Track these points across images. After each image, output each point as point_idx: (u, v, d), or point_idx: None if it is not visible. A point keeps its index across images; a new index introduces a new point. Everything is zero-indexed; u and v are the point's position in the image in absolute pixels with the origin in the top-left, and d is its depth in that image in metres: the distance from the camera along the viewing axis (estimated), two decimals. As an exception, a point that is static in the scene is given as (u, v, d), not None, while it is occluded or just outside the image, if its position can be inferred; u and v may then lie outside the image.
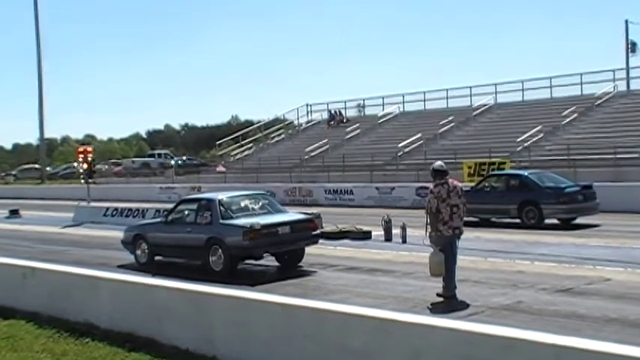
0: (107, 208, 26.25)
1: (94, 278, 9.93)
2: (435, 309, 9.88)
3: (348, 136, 45.46)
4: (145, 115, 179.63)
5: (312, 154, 43.87)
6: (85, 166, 29.68)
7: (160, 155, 64.12)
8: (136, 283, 9.26)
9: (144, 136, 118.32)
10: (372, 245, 17.09)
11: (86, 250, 18.04)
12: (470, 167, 31.60)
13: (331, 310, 6.88)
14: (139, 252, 15.38)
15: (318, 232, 14.77)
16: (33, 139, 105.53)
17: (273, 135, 52.55)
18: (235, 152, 50.76)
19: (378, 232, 18.01)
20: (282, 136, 52.05)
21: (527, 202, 19.38)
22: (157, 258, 15.16)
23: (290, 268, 13.97)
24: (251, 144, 51.99)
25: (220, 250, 13.46)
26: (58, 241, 19.97)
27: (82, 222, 25.32)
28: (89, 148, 31.35)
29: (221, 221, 13.71)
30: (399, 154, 38.98)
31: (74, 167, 50.51)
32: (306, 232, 14.08)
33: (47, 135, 69.25)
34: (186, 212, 14.89)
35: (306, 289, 11.69)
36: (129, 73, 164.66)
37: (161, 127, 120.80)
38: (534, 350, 5.25)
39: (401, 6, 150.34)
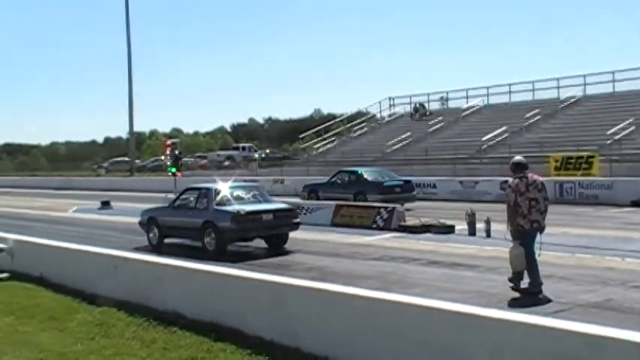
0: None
1: (181, 268, 10.19)
2: (518, 304, 9.73)
3: (431, 129, 45.06)
4: (230, 108, 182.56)
5: (395, 147, 43.68)
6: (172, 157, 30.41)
7: (244, 148, 65.05)
8: (220, 274, 9.43)
9: (228, 129, 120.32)
10: (455, 239, 16.93)
11: (172, 241, 18.49)
12: (557, 161, 30.85)
13: (413, 304, 6.85)
14: (151, 235, 17.56)
15: (297, 220, 16.84)
16: (123, 132, 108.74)
17: (355, 128, 52.55)
18: (318, 145, 51.00)
19: (461, 227, 17.82)
20: (365, 129, 51.99)
21: (358, 192, 25.09)
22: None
23: (276, 250, 16.11)
24: (333, 137, 52.14)
25: (213, 232, 15.54)
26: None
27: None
28: (175, 141, 32.18)
29: (215, 207, 15.85)
30: (482, 147, 38.40)
31: (161, 160, 51.74)
32: (288, 219, 16.38)
33: (136, 129, 71.14)
34: (189, 199, 17.05)
35: (387, 282, 11.67)
36: (214, 67, 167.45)
37: (245, 120, 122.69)
38: (624, 349, 5.07)
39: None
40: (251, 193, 16.99)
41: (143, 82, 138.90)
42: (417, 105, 50.86)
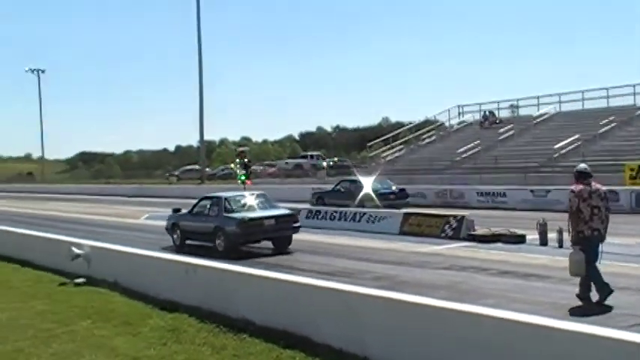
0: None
1: (250, 276, 10.26)
2: (581, 313, 9.58)
3: (501, 137, 44.31)
4: (298, 117, 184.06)
5: (464, 155, 43.13)
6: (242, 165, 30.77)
7: (312, 157, 65.31)
8: (291, 282, 9.45)
9: (297, 138, 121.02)
10: (527, 249, 16.60)
11: (242, 248, 18.69)
12: (632, 169, 29.92)
13: (486, 314, 6.73)
14: (175, 236, 19.98)
15: (298, 224, 18.70)
16: (193, 141, 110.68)
17: (423, 136, 52.15)
18: (386, 154, 50.78)
19: (532, 236, 17.46)
20: (433, 137, 51.52)
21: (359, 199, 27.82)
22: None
23: (280, 251, 17.91)
24: (402, 145, 51.83)
25: (222, 236, 17.67)
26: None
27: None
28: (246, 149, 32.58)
29: (224, 214, 17.96)
30: (554, 155, 37.56)
31: (231, 168, 52.34)
32: (288, 223, 18.18)
33: (206, 137, 72.14)
34: (204, 206, 19.16)
35: (458, 292, 11.52)
36: (283, 76, 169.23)
37: (313, 129, 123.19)
38: None
39: (555, 3, 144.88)
40: (257, 201, 18.84)
41: (214, 91, 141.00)
42: (487, 113, 50.17)
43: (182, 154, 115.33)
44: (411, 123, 58.26)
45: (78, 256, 14.40)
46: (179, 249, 18.91)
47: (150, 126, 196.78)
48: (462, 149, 43.54)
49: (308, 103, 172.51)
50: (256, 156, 72.50)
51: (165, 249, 17.39)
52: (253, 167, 46.13)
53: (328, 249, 18.25)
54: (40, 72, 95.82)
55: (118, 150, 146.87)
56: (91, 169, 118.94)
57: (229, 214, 17.90)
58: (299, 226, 18.68)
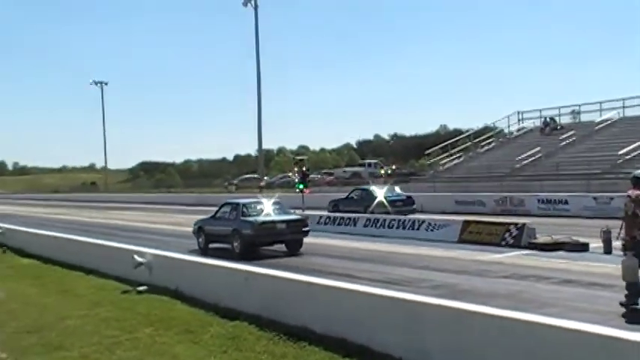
0: (321, 216, 27.07)
1: (310, 284, 10.27)
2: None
3: (563, 144, 43.51)
4: (355, 125, 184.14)
5: (524, 162, 42.50)
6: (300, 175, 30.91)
7: (369, 165, 65.24)
8: (351, 290, 9.43)
9: (354, 146, 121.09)
10: (590, 258, 16.25)
11: (299, 257, 18.77)
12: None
13: (549, 324, 6.60)
14: (200, 239, 21.29)
15: (307, 228, 20.13)
16: (252, 150, 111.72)
17: (483, 144, 51.56)
18: (444, 161, 50.37)
19: (596, 244, 17.08)
20: (493, 144, 50.92)
21: (367, 205, 30.11)
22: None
23: (291, 253, 19.63)
24: (460, 153, 51.33)
25: (239, 238, 19.17)
26: (274, 248, 20.89)
27: (297, 229, 26.28)
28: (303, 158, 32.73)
29: (241, 218, 19.53)
30: (618, 161, 36.69)
31: (289, 176, 52.63)
32: (298, 227, 19.73)
33: (265, 146, 72.79)
34: (225, 211, 20.63)
35: (519, 301, 11.33)
36: (340, 84, 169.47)
37: (371, 137, 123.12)
38: None
39: (617, 7, 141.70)
40: (272, 207, 20.29)
41: (272, 100, 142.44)
42: (547, 119, 49.35)
43: (241, 163, 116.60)
44: (469, 130, 57.74)
45: (140, 264, 14.66)
46: (203, 252, 20.22)
47: (209, 136, 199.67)
48: (522, 156, 42.92)
49: (365, 111, 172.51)
50: (314, 164, 72.75)
51: (223, 257, 17.51)
52: (311, 175, 46.33)
53: (386, 257, 18.17)
54: (103, 84, 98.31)
55: (178, 159, 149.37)
56: (152, 178, 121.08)
57: (246, 218, 19.55)
58: (308, 231, 20.16)
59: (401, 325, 8.18)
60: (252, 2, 62.18)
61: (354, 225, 25.12)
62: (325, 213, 28.37)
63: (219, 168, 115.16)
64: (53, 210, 55.06)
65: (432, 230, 21.96)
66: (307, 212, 28.98)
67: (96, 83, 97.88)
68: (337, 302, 9.39)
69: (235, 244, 19.40)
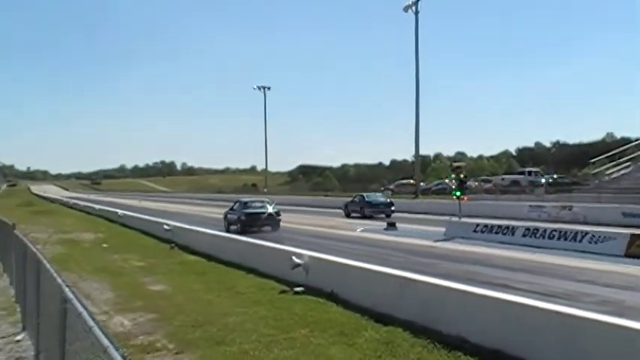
0: (477, 224, 26.56)
1: (465, 293, 10.12)
2: None
3: None
4: (515, 132, 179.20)
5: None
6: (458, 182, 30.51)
7: (529, 173, 63.20)
8: (506, 301, 9.21)
9: (513, 153, 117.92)
10: None
11: (455, 265, 18.48)
12: None
13: None
14: (225, 223, 33.36)
15: (279, 218, 32.13)
16: (408, 155, 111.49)
17: (654, 153, 48.51)
18: (610, 171, 47.85)
19: None
20: (665, 154, 47.81)
21: (362, 208, 42.07)
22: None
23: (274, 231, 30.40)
24: (629, 162, 48.57)
25: (239, 222, 31.64)
26: (429, 254, 20.74)
27: (452, 237, 25.98)
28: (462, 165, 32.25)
29: (242, 210, 32.09)
30: None
31: (446, 183, 52.03)
32: (274, 218, 31.88)
33: (421, 152, 72.32)
34: (236, 206, 33.29)
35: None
36: (499, 90, 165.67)
37: (531, 144, 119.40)
38: None
39: None
40: (261, 204, 33.48)
41: (429, 105, 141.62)
42: None
43: (397, 168, 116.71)
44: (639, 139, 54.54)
45: (298, 265, 15.01)
46: (227, 231, 31.02)
47: (365, 140, 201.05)
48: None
49: (526, 117, 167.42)
50: (471, 171, 71.40)
51: (380, 262, 17.57)
52: (468, 183, 45.54)
53: (546, 269, 17.53)
54: (265, 89, 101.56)
55: (335, 163, 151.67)
56: (310, 181, 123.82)
57: (244, 210, 32.32)
58: (280, 219, 32.10)
59: (561, 342, 7.88)
60: (413, 8, 62.12)
61: (512, 234, 24.42)
62: (482, 221, 27.74)
63: (375, 173, 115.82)
64: (216, 210, 57.53)
65: (595, 242, 20.94)
66: (464, 220, 28.58)
67: (259, 88, 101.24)
68: (493, 312, 9.19)
69: (238, 225, 31.69)
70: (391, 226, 31.73)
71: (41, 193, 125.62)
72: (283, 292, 14.36)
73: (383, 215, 40.16)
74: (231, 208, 33.51)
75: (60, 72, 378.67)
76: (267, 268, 16.84)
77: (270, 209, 32.33)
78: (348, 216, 42.76)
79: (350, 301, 12.58)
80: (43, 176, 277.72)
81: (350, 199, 46.03)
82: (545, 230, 23.55)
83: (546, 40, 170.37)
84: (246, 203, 33.13)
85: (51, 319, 6.81)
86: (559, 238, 22.50)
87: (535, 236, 23.51)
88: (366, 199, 43.19)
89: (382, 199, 43.85)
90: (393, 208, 41.49)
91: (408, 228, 31.15)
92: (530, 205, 40.19)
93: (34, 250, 9.54)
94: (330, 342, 9.97)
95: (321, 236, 28.48)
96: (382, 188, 74.93)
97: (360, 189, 78.96)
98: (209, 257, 20.75)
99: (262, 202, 33.89)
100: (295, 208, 51.65)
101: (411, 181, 70.05)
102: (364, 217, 40.64)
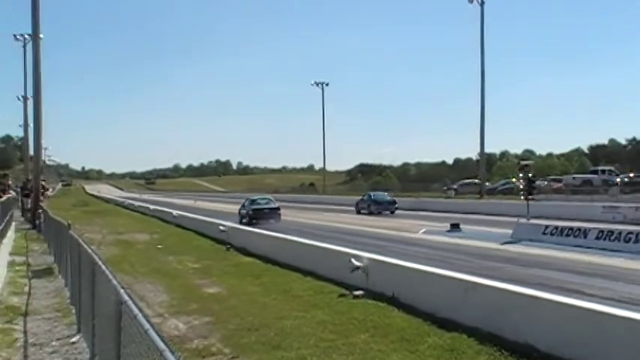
0: (546, 226, 26.08)
1: (535, 298, 9.95)
2: None
3: None
4: (587, 128, 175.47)
5: None
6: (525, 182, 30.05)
7: (603, 172, 61.90)
8: (581, 308, 9.04)
9: (585, 151, 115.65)
10: None
11: (523, 269, 18.21)
12: None
13: None
14: (239, 218, 40.08)
15: (280, 211, 40.26)
16: (473, 154, 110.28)
17: None
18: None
19: None
20: None
21: (369, 205, 48.77)
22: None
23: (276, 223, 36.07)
24: None
25: (247, 216, 39.83)
26: (496, 257, 20.47)
27: (520, 239, 25.57)
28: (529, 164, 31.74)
29: (250, 206, 40.95)
30: None
31: (513, 183, 51.26)
32: (275, 212, 40.00)
33: (486, 150, 71.54)
34: (246, 202, 41.97)
35: None
36: (567, 85, 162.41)
37: (605, 141, 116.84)
38: None
39: None
40: (266, 200, 43.01)
41: (494, 101, 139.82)
42: None
43: (460, 167, 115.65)
44: None
45: (357, 268, 14.98)
46: (240, 223, 36.24)
47: (428, 138, 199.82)
48: None
49: (598, 113, 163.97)
50: (540, 170, 70.23)
51: (443, 265, 17.44)
52: (536, 182, 44.79)
53: (622, 274, 17.10)
54: (324, 85, 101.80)
55: (395, 162, 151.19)
56: (370, 180, 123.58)
57: (251, 206, 41.06)
58: (280, 213, 40.23)
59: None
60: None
61: (584, 237, 23.90)
62: (551, 223, 27.23)
63: (437, 172, 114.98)
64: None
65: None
66: (532, 221, 28.12)
67: (317, 84, 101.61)
68: (566, 320, 9.01)
69: (247, 219, 39.34)
70: (455, 227, 31.41)
71: (95, 193, 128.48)
72: (342, 295, 14.35)
73: (388, 212, 47.22)
74: (243, 205, 42.41)
75: (114, 69, 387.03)
76: (326, 270, 16.86)
77: (273, 205, 41.43)
78: (358, 213, 49.71)
79: (412, 305, 12.50)
80: (97, 175, 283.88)
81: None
82: (620, 233, 22.96)
83: (617, 37, 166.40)
84: (254, 200, 42.63)
85: (106, 321, 6.97)
86: (636, 242, 21.93)
87: (610, 239, 22.95)
88: (373, 197, 50.90)
89: (387, 198, 50.89)
90: (396, 206, 48.50)
91: (472, 230, 30.83)
92: (603, 206, 39.30)
93: (90, 250, 9.75)
94: (391, 348, 9.93)
95: (382, 238, 28.41)
96: (445, 188, 74.34)
97: (421, 189, 78.70)
98: (265, 259, 20.89)
99: (267, 199, 44.02)
100: (353, 208, 51.60)
101: (476, 181, 69.31)
102: (371, 213, 47.51)
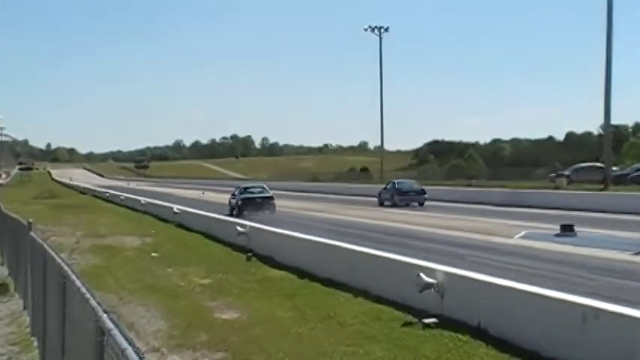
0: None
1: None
2: None
3: None
4: None
5: None
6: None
7: None
8: None
9: None
10: None
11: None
12: None
13: None
14: (229, 208, 50.20)
15: (273, 201, 49.07)
16: (593, 127, 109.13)
17: None
18: None
19: None
20: None
21: (392, 195, 56.18)
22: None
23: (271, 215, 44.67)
24: None
25: (237, 207, 48.73)
26: (627, 273, 20.22)
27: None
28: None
29: (240, 195, 50.14)
30: None
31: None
32: (269, 202, 48.83)
33: (614, 121, 70.46)
34: (236, 191, 51.45)
35: None
36: None
37: None
38: None
39: None
40: (259, 188, 51.73)
41: (626, 59, 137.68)
42: None
43: (575, 145, 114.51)
44: None
45: (429, 285, 14.90)
46: (230, 215, 45.06)
47: (527, 105, 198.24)
48: None
49: None
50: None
51: (550, 282, 17.30)
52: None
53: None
54: (382, 30, 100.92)
55: (482, 138, 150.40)
56: (446, 164, 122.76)
57: (242, 195, 48.87)
58: (274, 203, 48.11)
59: None
60: None
61: None
62: None
63: (543, 152, 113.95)
64: (308, 204, 58.11)
65: None
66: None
67: (372, 29, 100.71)
68: None
69: (237, 209, 46.94)
70: (567, 229, 31.02)
71: (66, 181, 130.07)
72: (407, 324, 14.34)
73: (416, 204, 53.82)
74: (233, 194, 50.79)
75: (93, 16, 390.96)
76: (385, 288, 16.86)
77: (266, 194, 49.56)
78: (381, 205, 56.48)
79: (505, 339, 12.44)
80: (68, 157, 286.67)
81: (384, 186, 61.05)
82: None
83: None
84: (246, 188, 51.39)
85: (82, 358, 6.99)
86: None
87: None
88: (397, 186, 57.39)
89: (414, 187, 57.23)
90: (425, 196, 54.78)
91: (591, 233, 30.51)
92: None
93: (59, 260, 9.82)
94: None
95: (465, 245, 28.21)
96: (553, 175, 73.37)
97: (519, 176, 78.00)
98: (300, 272, 20.92)
99: (261, 187, 52.36)
100: (430, 204, 51.53)
101: (598, 164, 68.49)
102: (394, 205, 53.82)
